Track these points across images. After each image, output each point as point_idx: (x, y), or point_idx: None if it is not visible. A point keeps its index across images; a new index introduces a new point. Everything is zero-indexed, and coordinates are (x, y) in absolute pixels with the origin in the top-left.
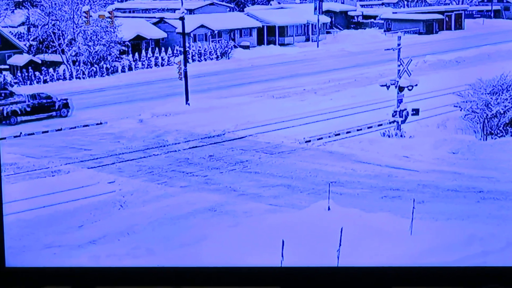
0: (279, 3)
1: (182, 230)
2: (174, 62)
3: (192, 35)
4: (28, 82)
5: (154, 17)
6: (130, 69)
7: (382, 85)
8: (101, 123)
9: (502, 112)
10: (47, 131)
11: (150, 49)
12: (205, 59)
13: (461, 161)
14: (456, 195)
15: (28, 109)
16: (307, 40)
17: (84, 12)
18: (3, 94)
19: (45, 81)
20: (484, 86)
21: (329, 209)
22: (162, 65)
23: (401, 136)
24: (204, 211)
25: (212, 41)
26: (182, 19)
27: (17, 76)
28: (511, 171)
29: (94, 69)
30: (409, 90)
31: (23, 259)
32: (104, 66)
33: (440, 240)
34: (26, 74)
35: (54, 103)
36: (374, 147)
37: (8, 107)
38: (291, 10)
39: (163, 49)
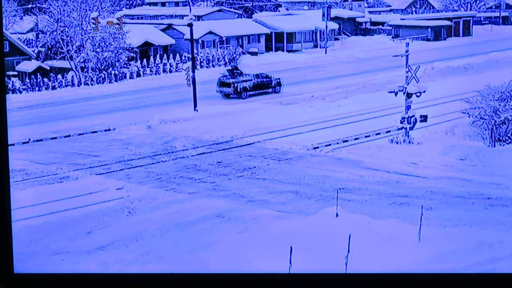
0: (287, 9)
1: (191, 236)
2: (182, 69)
3: (200, 41)
4: (37, 88)
5: (163, 24)
6: (138, 75)
7: (390, 92)
8: (109, 129)
9: (510, 118)
10: (56, 138)
11: (158, 55)
12: (213, 66)
13: (469, 168)
14: (464, 202)
15: (250, 87)
16: (315, 46)
17: (93, 18)
18: (236, 74)
19: (53, 87)
20: (492, 92)
21: (337, 215)
22: (170, 71)
23: (410, 142)
24: (212, 217)
25: (220, 48)
26: (190, 25)
27: (25, 82)
28: None
29: (103, 75)
30: (417, 96)
31: (32, 265)
32: (113, 72)
33: (448, 246)
34: (35, 80)
35: (272, 81)
36: (382, 153)
37: (240, 84)
38: (299, 16)
39: (171, 55)
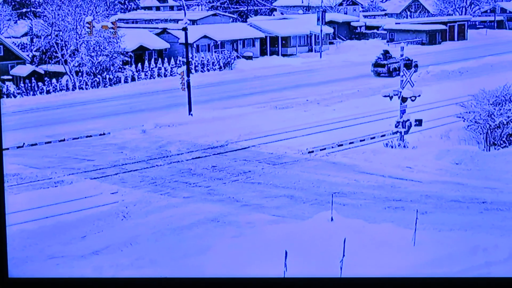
0: (282, 13)
1: (185, 241)
2: (177, 73)
3: (195, 45)
4: (31, 92)
5: (157, 28)
6: (133, 79)
7: (385, 96)
8: (104, 134)
9: (505, 122)
10: (50, 142)
11: (153, 59)
12: (208, 70)
13: (464, 172)
14: (459, 206)
15: (398, 67)
16: (310, 50)
17: (87, 22)
18: (387, 56)
19: (48, 92)
20: (487, 96)
21: (332, 220)
22: (165, 75)
23: (404, 146)
24: (207, 221)
25: (215, 52)
26: (185, 29)
27: (20, 86)
28: None
29: (97, 79)
30: (412, 100)
31: (26, 269)
32: (107, 76)
33: (443, 251)
34: (29, 84)
35: (412, 63)
36: (377, 157)
37: (391, 65)
38: (294, 20)
39: (166, 59)
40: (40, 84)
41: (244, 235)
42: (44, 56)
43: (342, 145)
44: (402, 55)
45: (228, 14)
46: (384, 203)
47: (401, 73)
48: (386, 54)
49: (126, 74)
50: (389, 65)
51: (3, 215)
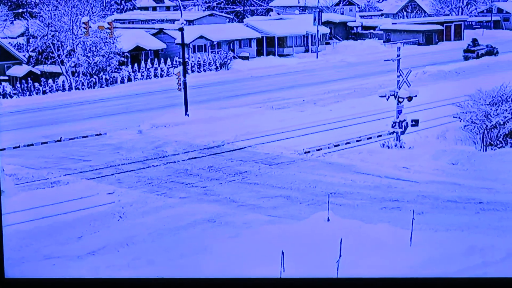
0: (278, 14)
1: (182, 241)
2: (173, 73)
3: (191, 46)
4: (27, 93)
5: (154, 28)
6: (129, 80)
7: (381, 96)
8: (100, 134)
9: (501, 123)
10: (46, 142)
11: (149, 60)
12: (205, 70)
13: (460, 172)
14: (456, 206)
15: (484, 52)
16: (307, 51)
17: (84, 23)
18: (476, 44)
19: (44, 92)
20: (483, 97)
21: (328, 220)
22: (162, 76)
23: (401, 147)
24: (204, 222)
25: (212, 52)
26: (181, 30)
27: (16, 87)
28: (511, 182)
29: (94, 80)
30: (409, 101)
31: (23, 270)
32: (104, 77)
33: (440, 251)
34: (26, 85)
35: (494, 49)
36: (373, 158)
37: (480, 51)
38: (290, 21)
39: (162, 60)
40: (36, 84)
41: (241, 235)
42: (40, 56)
43: (338, 145)
44: (487, 44)
45: (225, 15)
46: (380, 203)
47: (398, 72)
48: (474, 42)
49: (123, 75)
50: (478, 51)
51: None
